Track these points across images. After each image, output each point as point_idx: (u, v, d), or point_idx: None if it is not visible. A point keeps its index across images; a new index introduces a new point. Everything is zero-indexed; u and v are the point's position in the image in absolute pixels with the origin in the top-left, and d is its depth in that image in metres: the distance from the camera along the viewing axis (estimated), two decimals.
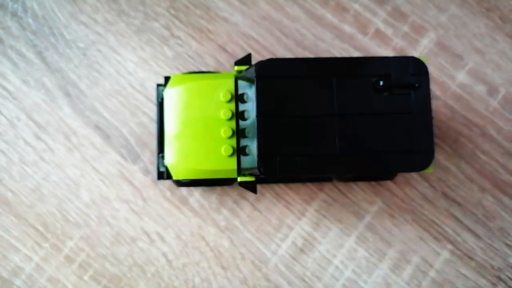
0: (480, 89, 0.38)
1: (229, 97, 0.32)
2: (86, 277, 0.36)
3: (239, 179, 0.32)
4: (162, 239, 0.36)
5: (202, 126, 0.32)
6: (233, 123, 0.32)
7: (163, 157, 0.33)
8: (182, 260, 0.36)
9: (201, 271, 0.36)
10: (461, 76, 0.39)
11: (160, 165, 0.34)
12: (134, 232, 0.36)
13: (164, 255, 0.36)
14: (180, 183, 0.35)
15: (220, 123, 0.32)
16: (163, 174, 0.34)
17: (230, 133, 0.32)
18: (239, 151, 0.32)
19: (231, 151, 0.32)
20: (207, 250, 0.36)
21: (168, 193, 0.37)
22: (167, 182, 0.37)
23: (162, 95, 0.34)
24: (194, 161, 0.32)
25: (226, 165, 0.32)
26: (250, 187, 0.32)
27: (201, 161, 0.32)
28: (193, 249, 0.36)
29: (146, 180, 0.37)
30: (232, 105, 0.32)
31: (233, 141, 0.32)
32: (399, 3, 0.39)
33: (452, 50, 0.39)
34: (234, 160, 0.32)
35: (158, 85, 0.36)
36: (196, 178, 0.33)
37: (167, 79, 0.34)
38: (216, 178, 0.33)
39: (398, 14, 0.39)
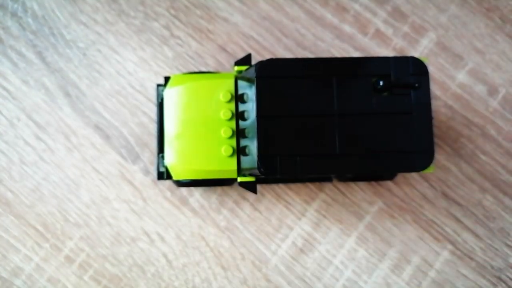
0: (480, 89, 0.38)
1: (229, 97, 0.32)
2: (86, 277, 0.36)
3: (239, 179, 0.32)
4: (162, 239, 0.36)
5: (202, 126, 0.32)
6: (233, 123, 0.32)
7: (163, 157, 0.33)
8: (182, 260, 0.36)
9: (201, 271, 0.36)
10: (461, 76, 0.38)
11: (160, 165, 0.34)
12: (134, 232, 0.36)
13: (164, 255, 0.36)
14: (180, 183, 0.35)
15: (220, 123, 0.32)
16: (163, 174, 0.34)
17: (230, 133, 0.32)
18: (239, 151, 0.32)
19: (231, 151, 0.32)
20: (207, 250, 0.36)
21: (168, 193, 0.37)
22: (167, 182, 0.37)
23: (162, 95, 0.34)
24: (194, 161, 0.32)
25: (226, 166, 0.32)
26: (250, 187, 0.32)
27: (201, 161, 0.32)
28: (193, 249, 0.36)
29: (146, 180, 0.37)
30: (232, 105, 0.32)
31: (233, 141, 0.32)
32: (399, 3, 0.39)
33: (452, 50, 0.39)
34: (234, 160, 0.32)
35: (158, 85, 0.36)
36: (196, 178, 0.33)
37: (167, 79, 0.34)
38: (216, 178, 0.33)
39: (398, 14, 0.39)
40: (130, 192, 0.37)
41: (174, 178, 0.33)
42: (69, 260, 0.36)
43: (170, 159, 0.32)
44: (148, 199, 0.37)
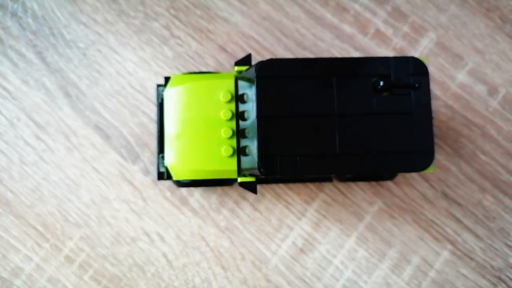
0: (480, 89, 0.38)
1: (229, 97, 0.32)
2: (86, 277, 0.36)
3: (239, 179, 0.32)
4: (162, 239, 0.36)
5: (202, 126, 0.32)
6: (233, 124, 0.32)
7: (163, 157, 0.33)
8: (182, 260, 0.36)
9: (201, 271, 0.36)
10: (461, 76, 0.39)
11: (160, 165, 0.34)
12: (134, 232, 0.36)
13: (164, 255, 0.36)
14: (180, 184, 0.35)
15: (220, 123, 0.32)
16: (163, 175, 0.34)
17: (230, 133, 0.32)
18: (239, 152, 0.32)
19: (231, 151, 0.32)
20: (207, 251, 0.36)
21: (168, 193, 0.37)
22: (167, 182, 0.37)
23: (162, 95, 0.34)
24: (194, 161, 0.32)
25: (226, 166, 0.32)
26: (250, 187, 0.32)
27: (201, 162, 0.32)
28: (193, 249, 0.36)
29: (146, 180, 0.37)
30: (232, 106, 0.32)
31: (233, 142, 0.32)
32: (399, 3, 0.39)
33: (452, 50, 0.39)
34: (234, 160, 0.32)
35: (158, 86, 0.36)
36: (196, 178, 0.33)
37: (167, 79, 0.34)
38: (216, 178, 0.33)
39: (398, 14, 0.39)
40: (130, 192, 0.37)
41: (174, 178, 0.33)
42: (69, 260, 0.36)
43: (170, 159, 0.32)
44: (148, 199, 0.37)
